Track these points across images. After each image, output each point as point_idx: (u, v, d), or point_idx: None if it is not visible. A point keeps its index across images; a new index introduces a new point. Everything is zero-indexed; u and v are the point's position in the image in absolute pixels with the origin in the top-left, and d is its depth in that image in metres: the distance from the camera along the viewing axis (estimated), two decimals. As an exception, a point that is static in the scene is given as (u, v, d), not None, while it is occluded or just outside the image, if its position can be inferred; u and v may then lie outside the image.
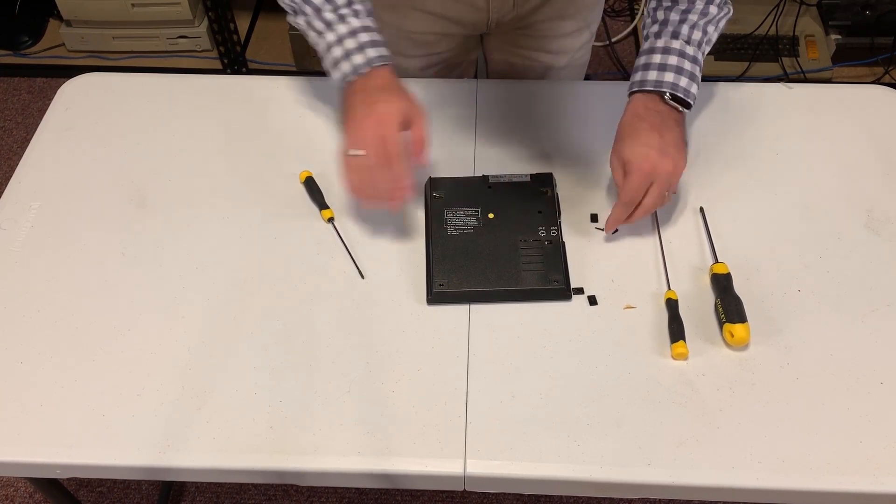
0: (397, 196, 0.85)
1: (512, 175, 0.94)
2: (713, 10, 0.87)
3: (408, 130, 0.85)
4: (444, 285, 0.85)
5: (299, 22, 0.90)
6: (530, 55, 1.15)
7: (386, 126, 0.83)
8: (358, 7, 0.89)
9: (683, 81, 0.86)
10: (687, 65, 0.86)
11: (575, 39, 1.14)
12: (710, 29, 0.88)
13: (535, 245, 0.88)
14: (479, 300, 0.85)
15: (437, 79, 1.12)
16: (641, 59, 0.88)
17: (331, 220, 0.92)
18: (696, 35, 0.86)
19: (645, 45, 0.89)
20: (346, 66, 0.87)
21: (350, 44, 0.87)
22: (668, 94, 0.85)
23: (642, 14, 2.30)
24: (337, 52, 0.88)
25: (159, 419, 0.77)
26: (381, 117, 0.84)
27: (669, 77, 0.85)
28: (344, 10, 0.88)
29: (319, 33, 0.89)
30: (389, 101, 0.85)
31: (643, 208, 0.85)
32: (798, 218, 0.93)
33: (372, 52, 0.87)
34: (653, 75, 0.86)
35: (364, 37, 0.88)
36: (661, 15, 0.88)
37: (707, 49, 0.89)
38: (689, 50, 0.86)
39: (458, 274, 0.86)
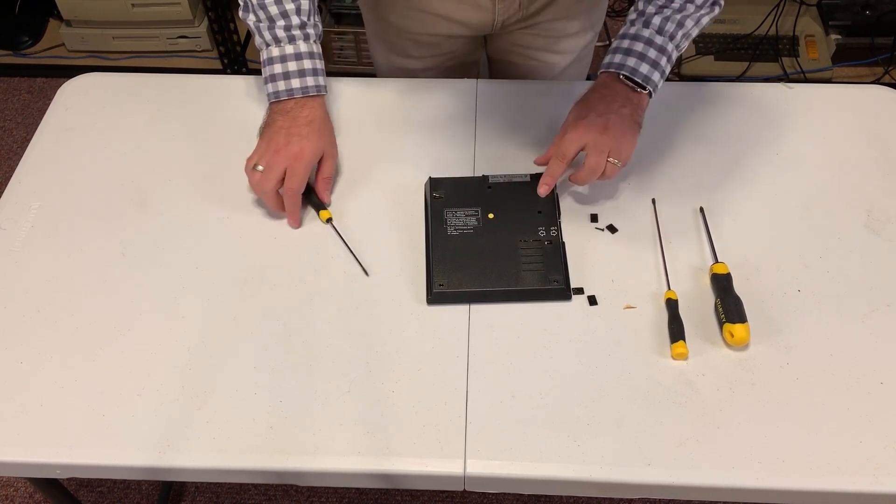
0: (288, 220, 0.92)
1: (512, 175, 0.94)
2: (691, 7, 0.88)
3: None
4: (444, 285, 0.85)
5: (248, 21, 0.92)
6: (535, 55, 1.15)
7: (297, 162, 0.88)
8: (310, 31, 0.92)
9: (644, 68, 0.88)
10: (652, 53, 0.88)
11: (580, 39, 1.14)
12: (689, 23, 0.88)
13: (535, 245, 0.88)
14: (479, 300, 0.85)
15: (438, 79, 1.12)
16: (614, 43, 0.91)
17: (329, 220, 0.92)
18: (669, 27, 0.88)
19: (621, 31, 0.91)
20: (281, 85, 0.91)
21: (292, 66, 0.91)
22: (623, 75, 0.89)
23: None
24: (277, 68, 0.91)
25: (159, 419, 0.77)
26: (296, 153, 0.89)
27: (631, 62, 0.88)
28: (296, 32, 0.91)
29: (266, 44, 0.91)
30: (309, 138, 0.90)
31: (587, 169, 0.87)
32: (798, 218, 0.93)
33: (310, 81, 0.91)
34: (618, 58, 0.89)
35: (307, 63, 0.91)
36: (641, 5, 0.90)
37: (685, 43, 0.90)
38: (658, 39, 0.88)
39: (458, 274, 0.86)
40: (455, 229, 0.89)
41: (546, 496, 1.49)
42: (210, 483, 1.51)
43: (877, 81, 2.14)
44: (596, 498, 1.43)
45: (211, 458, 0.75)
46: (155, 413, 0.77)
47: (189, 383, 0.79)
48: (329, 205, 0.94)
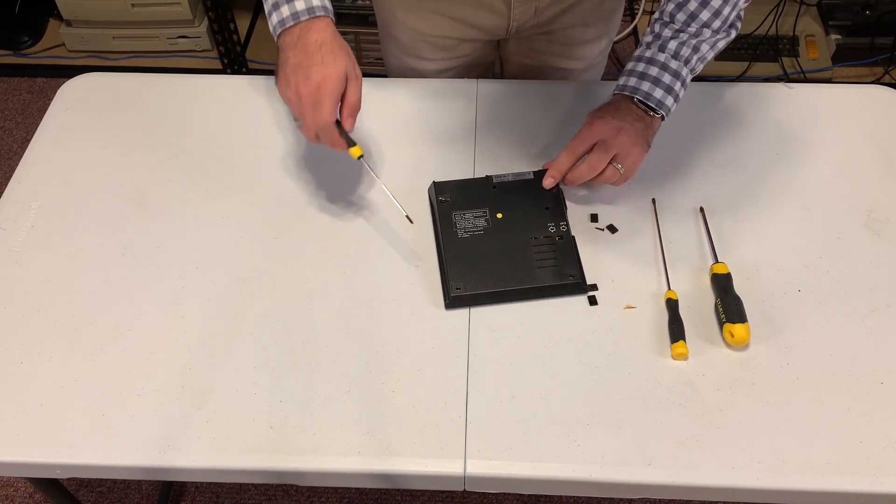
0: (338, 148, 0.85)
1: (515, 174, 0.94)
2: (707, 33, 0.88)
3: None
4: (461, 289, 0.85)
5: None
6: (551, 61, 1.15)
7: (320, 91, 0.81)
8: None
9: (658, 93, 0.88)
10: (666, 78, 0.88)
11: (595, 47, 1.14)
12: (704, 48, 0.89)
13: (547, 241, 0.88)
14: (496, 301, 0.85)
15: (437, 79, 1.12)
16: (629, 65, 0.91)
17: (360, 157, 0.86)
18: (685, 52, 0.88)
19: (636, 52, 0.91)
20: (285, 10, 0.83)
21: None
22: (637, 99, 0.89)
23: (643, 13, 2.30)
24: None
25: (159, 419, 0.77)
26: (318, 83, 0.81)
27: (646, 86, 0.89)
28: None
29: None
30: (324, 63, 0.82)
31: (587, 164, 0.88)
32: (798, 218, 0.93)
33: (316, 1, 0.84)
34: (633, 82, 0.90)
35: None
36: (657, 28, 0.90)
37: (699, 66, 0.91)
38: (673, 64, 0.88)
39: (474, 276, 0.85)
40: (465, 232, 0.89)
41: (546, 496, 1.49)
42: (210, 483, 1.51)
43: (877, 81, 2.14)
44: (596, 498, 1.43)
45: (211, 458, 0.75)
46: (155, 413, 0.77)
47: (189, 383, 0.79)
48: (351, 131, 0.86)
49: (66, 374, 0.80)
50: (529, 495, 1.48)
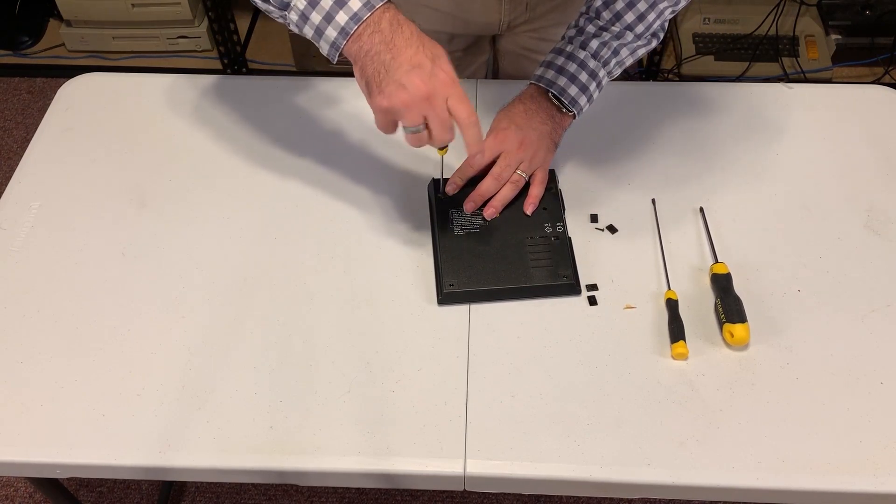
0: (472, 150, 0.77)
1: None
2: (630, 36, 0.88)
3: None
4: (455, 285, 0.85)
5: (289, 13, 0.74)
6: (542, 59, 1.15)
7: (454, 86, 0.71)
8: None
9: (573, 90, 0.88)
10: (583, 76, 0.88)
11: None
12: (624, 52, 0.89)
13: (542, 242, 0.88)
14: (489, 299, 0.85)
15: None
16: (548, 57, 0.91)
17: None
18: (605, 52, 0.88)
19: (557, 45, 0.91)
20: (356, 3, 0.70)
21: None
22: (551, 93, 0.89)
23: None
24: (326, 2, 0.70)
25: (159, 419, 0.77)
26: (444, 80, 0.71)
27: (561, 82, 0.88)
28: None
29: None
30: (436, 48, 0.72)
31: (491, 176, 0.88)
32: (798, 218, 0.93)
33: None
34: (549, 74, 0.89)
35: None
36: (581, 22, 0.90)
37: (617, 70, 0.90)
38: (591, 63, 0.88)
39: (468, 273, 0.86)
40: (461, 229, 0.89)
41: (546, 496, 1.49)
42: (210, 483, 1.51)
43: (877, 81, 2.14)
44: (596, 498, 1.43)
45: (211, 458, 0.74)
46: (155, 413, 0.77)
47: (189, 383, 0.79)
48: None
49: (66, 374, 0.80)
50: (529, 495, 1.48)
